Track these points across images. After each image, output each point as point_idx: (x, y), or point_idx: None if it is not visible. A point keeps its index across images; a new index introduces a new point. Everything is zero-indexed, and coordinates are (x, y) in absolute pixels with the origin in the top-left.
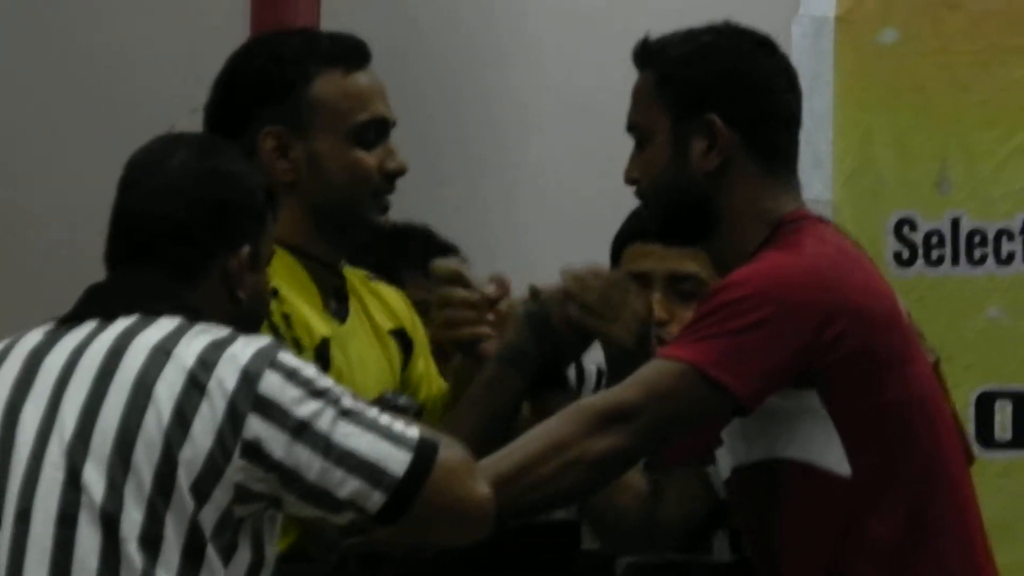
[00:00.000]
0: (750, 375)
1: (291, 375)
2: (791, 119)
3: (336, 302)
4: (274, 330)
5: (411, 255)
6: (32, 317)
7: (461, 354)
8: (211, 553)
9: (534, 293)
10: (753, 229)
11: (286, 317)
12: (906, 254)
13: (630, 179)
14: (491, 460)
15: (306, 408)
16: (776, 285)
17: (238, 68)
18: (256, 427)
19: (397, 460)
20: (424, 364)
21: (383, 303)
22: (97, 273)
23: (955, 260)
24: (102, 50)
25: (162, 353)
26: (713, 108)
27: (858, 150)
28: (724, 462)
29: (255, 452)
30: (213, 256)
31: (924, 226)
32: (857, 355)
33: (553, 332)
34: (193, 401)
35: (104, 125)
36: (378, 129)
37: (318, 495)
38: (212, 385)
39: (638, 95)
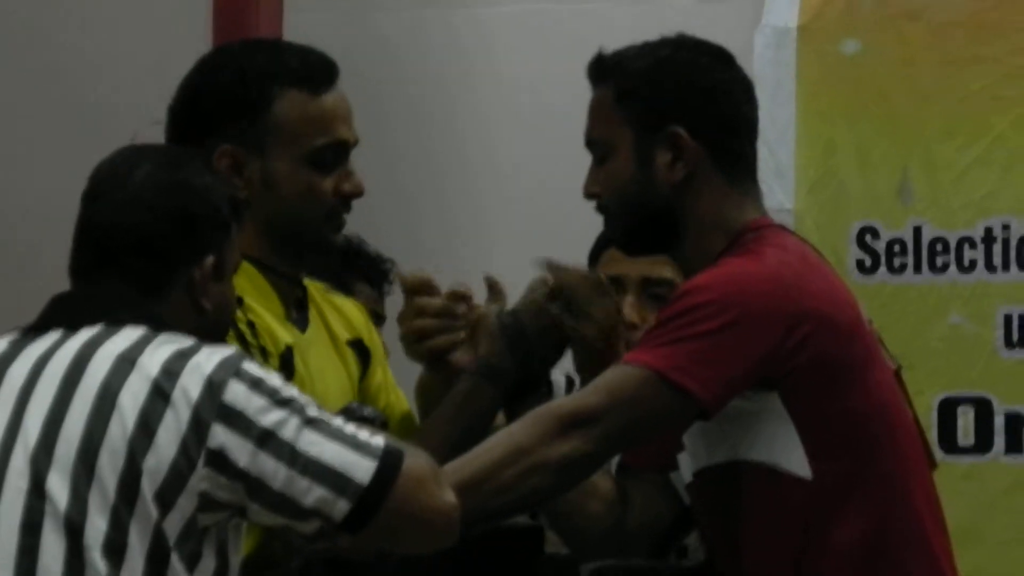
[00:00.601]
0: (712, 380)
1: (256, 384)
2: (751, 129)
3: (297, 312)
4: (240, 338)
5: (350, 265)
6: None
7: (428, 367)
8: (175, 561)
9: (493, 286)
10: (717, 238)
11: (251, 325)
12: (869, 262)
13: (590, 193)
14: (453, 466)
15: (271, 417)
16: (738, 291)
17: (202, 80)
18: (221, 436)
19: (362, 468)
20: (382, 373)
21: (340, 314)
22: (62, 279)
23: (917, 268)
24: (66, 59)
25: (127, 362)
26: (676, 121)
27: (820, 160)
28: (686, 467)
29: (220, 461)
30: (178, 267)
31: (886, 235)
32: (819, 361)
33: (528, 344)
34: (157, 410)
35: (67, 134)
36: (336, 152)
37: (283, 503)
38: (176, 394)
39: (596, 110)
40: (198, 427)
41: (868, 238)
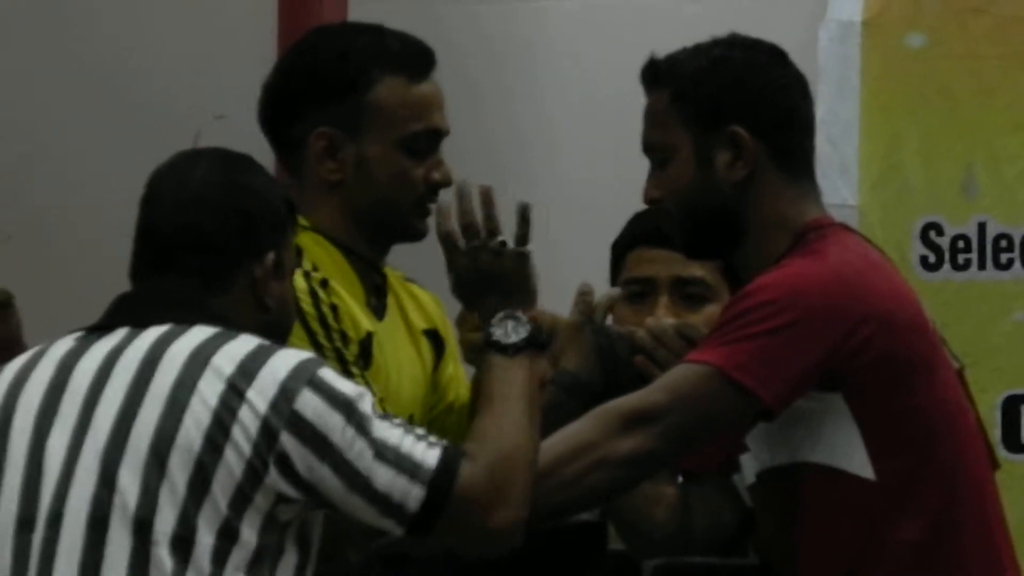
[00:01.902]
0: (775, 379)
1: (328, 395)
2: (808, 125)
3: (376, 299)
4: (322, 320)
5: None
6: (60, 320)
7: None
8: (244, 558)
9: (590, 319)
10: (779, 237)
11: (334, 308)
12: (932, 259)
13: (651, 199)
14: None
15: (336, 433)
16: (802, 290)
17: (301, 60)
18: (288, 444)
19: (412, 496)
20: (454, 367)
21: (417, 303)
22: (122, 280)
23: (981, 264)
24: (128, 54)
25: (199, 361)
26: (734, 120)
27: (884, 155)
28: (749, 468)
29: (286, 467)
30: (239, 265)
31: (950, 231)
32: (883, 360)
33: (616, 367)
34: (231, 410)
35: (130, 128)
36: (430, 140)
37: (342, 513)
38: (250, 395)
39: (653, 115)
40: (268, 432)
41: (932, 234)
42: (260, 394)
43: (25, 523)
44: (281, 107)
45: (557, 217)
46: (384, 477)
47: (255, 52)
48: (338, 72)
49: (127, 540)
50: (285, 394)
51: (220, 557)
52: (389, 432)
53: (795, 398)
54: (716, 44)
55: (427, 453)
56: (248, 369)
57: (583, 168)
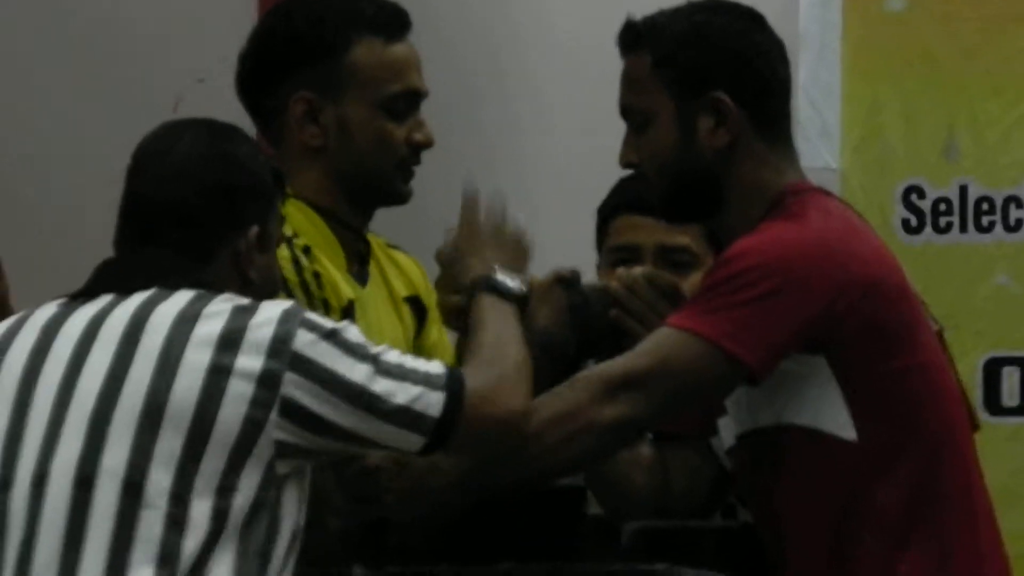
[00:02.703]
0: (760, 345)
1: (322, 331)
2: (787, 91)
3: (359, 265)
4: (304, 288)
5: None
6: (42, 293)
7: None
8: (245, 516)
9: (563, 279)
10: (758, 202)
11: (317, 276)
12: (914, 222)
13: (628, 163)
14: None
15: (340, 363)
16: (786, 256)
17: (277, 26)
18: (292, 385)
19: (433, 402)
20: (437, 332)
21: (400, 270)
22: (106, 242)
23: (963, 227)
24: (108, 17)
25: (188, 319)
26: (718, 86)
27: (866, 119)
28: (727, 431)
29: (294, 409)
30: (222, 237)
31: (932, 194)
32: (866, 325)
33: (591, 325)
34: (224, 367)
35: (110, 92)
36: (409, 101)
37: (355, 442)
38: (245, 347)
39: (632, 78)
40: (269, 380)
41: (914, 197)
42: (254, 346)
43: (4, 484)
44: (259, 75)
45: (546, 193)
46: (400, 391)
47: (236, 15)
48: (315, 36)
49: (115, 500)
50: (281, 338)
51: (217, 516)
52: (388, 353)
53: (779, 363)
54: (696, 8)
55: (430, 364)
56: (238, 324)
57: (574, 144)
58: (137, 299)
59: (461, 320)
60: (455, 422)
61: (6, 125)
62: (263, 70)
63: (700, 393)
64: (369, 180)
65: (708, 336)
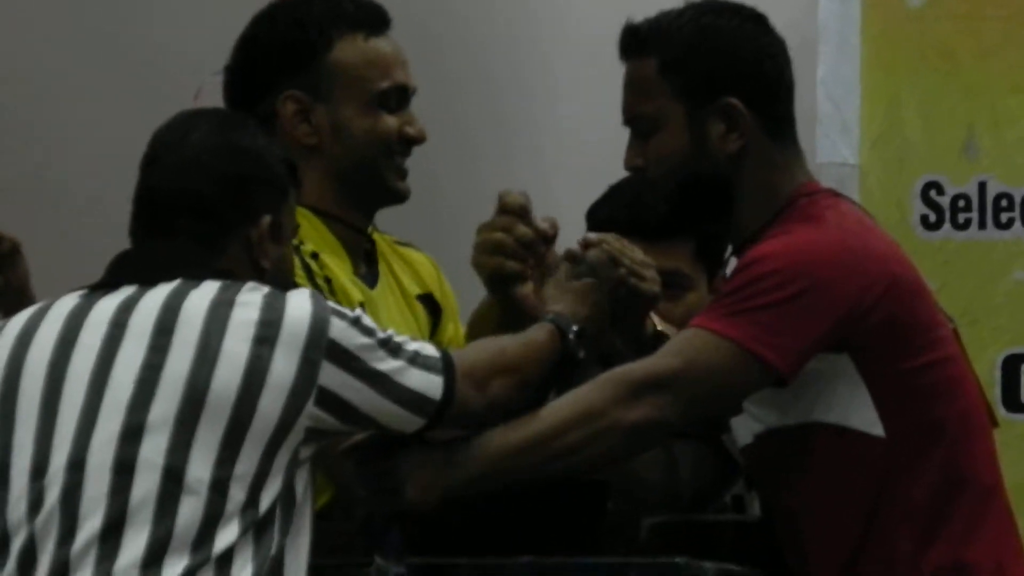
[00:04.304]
0: (788, 349)
1: (349, 319)
2: (791, 91)
3: (366, 266)
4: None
5: None
6: (59, 274)
7: (488, 284)
8: (278, 500)
9: (572, 257)
10: (766, 204)
11: (328, 281)
12: (933, 218)
13: (634, 167)
14: (520, 422)
15: (365, 351)
16: (810, 259)
17: (259, 34)
18: (327, 372)
19: (434, 386)
20: (454, 329)
21: (411, 267)
22: (124, 232)
23: (982, 224)
24: (129, 8)
25: (223, 308)
26: (728, 90)
27: (885, 115)
28: (743, 430)
29: (329, 398)
30: (234, 228)
31: (951, 190)
32: (888, 323)
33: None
34: (265, 353)
35: (130, 82)
36: (399, 96)
37: (368, 426)
38: (284, 335)
39: (638, 84)
40: (308, 367)
41: (932, 194)
42: (292, 336)
43: (38, 472)
44: (246, 83)
45: (561, 169)
46: (412, 377)
47: (255, 8)
48: (297, 39)
49: (155, 487)
50: (318, 327)
51: (251, 502)
52: (399, 337)
53: (806, 365)
54: (700, 10)
55: (427, 347)
56: (273, 312)
57: (587, 120)
58: (164, 289)
59: (497, 284)
60: (452, 403)
61: (27, 115)
62: (250, 79)
63: (726, 396)
64: (366, 178)
65: (736, 339)
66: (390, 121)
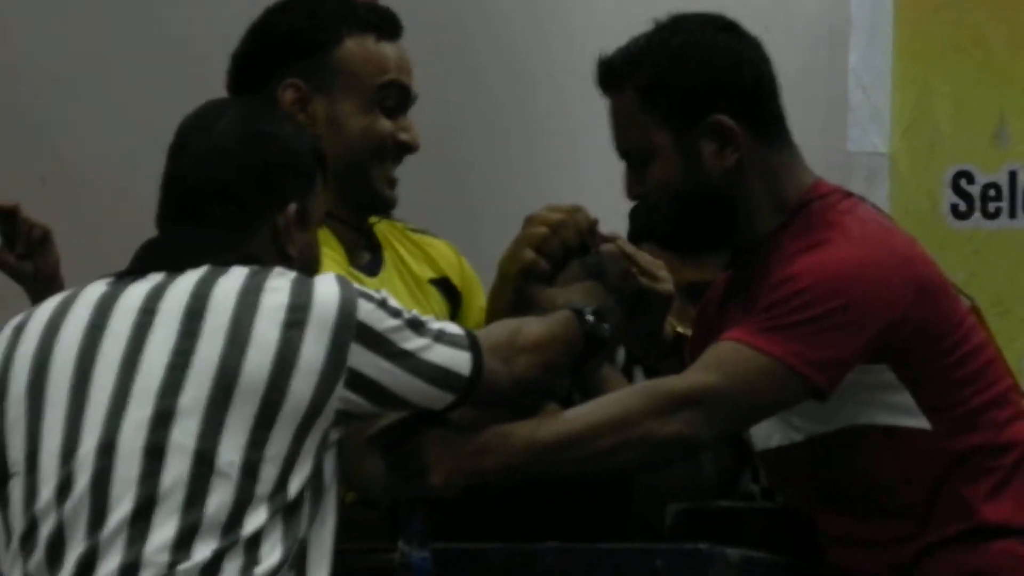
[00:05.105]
0: (828, 364)
1: (375, 300)
2: (774, 87)
3: (370, 255)
4: None
5: None
6: (93, 263)
7: (510, 281)
8: (307, 484)
9: (585, 250)
10: (776, 210)
11: None
12: (963, 207)
13: (635, 195)
14: (551, 420)
15: (393, 331)
16: (844, 275)
17: (272, 21)
18: (357, 354)
19: (462, 362)
20: (478, 315)
21: (424, 253)
22: (151, 223)
23: (1012, 213)
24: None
25: (252, 294)
26: (713, 108)
27: (916, 103)
28: (768, 435)
29: (359, 380)
30: (261, 215)
31: (981, 179)
32: (922, 329)
33: (614, 286)
34: (295, 336)
35: (165, 73)
36: (399, 96)
37: (398, 405)
38: (313, 319)
39: (623, 118)
40: (338, 350)
41: (963, 182)
42: (322, 319)
43: (68, 453)
44: (250, 68)
45: (593, 169)
46: (440, 354)
47: None
48: (306, 30)
49: (187, 471)
50: (346, 310)
51: (280, 485)
52: (422, 317)
53: (844, 378)
54: (668, 31)
55: (450, 324)
56: (301, 297)
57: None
58: (192, 276)
59: (520, 279)
60: (480, 378)
61: (63, 105)
62: (255, 66)
63: (762, 411)
64: (355, 181)
65: (776, 355)
66: (386, 124)
